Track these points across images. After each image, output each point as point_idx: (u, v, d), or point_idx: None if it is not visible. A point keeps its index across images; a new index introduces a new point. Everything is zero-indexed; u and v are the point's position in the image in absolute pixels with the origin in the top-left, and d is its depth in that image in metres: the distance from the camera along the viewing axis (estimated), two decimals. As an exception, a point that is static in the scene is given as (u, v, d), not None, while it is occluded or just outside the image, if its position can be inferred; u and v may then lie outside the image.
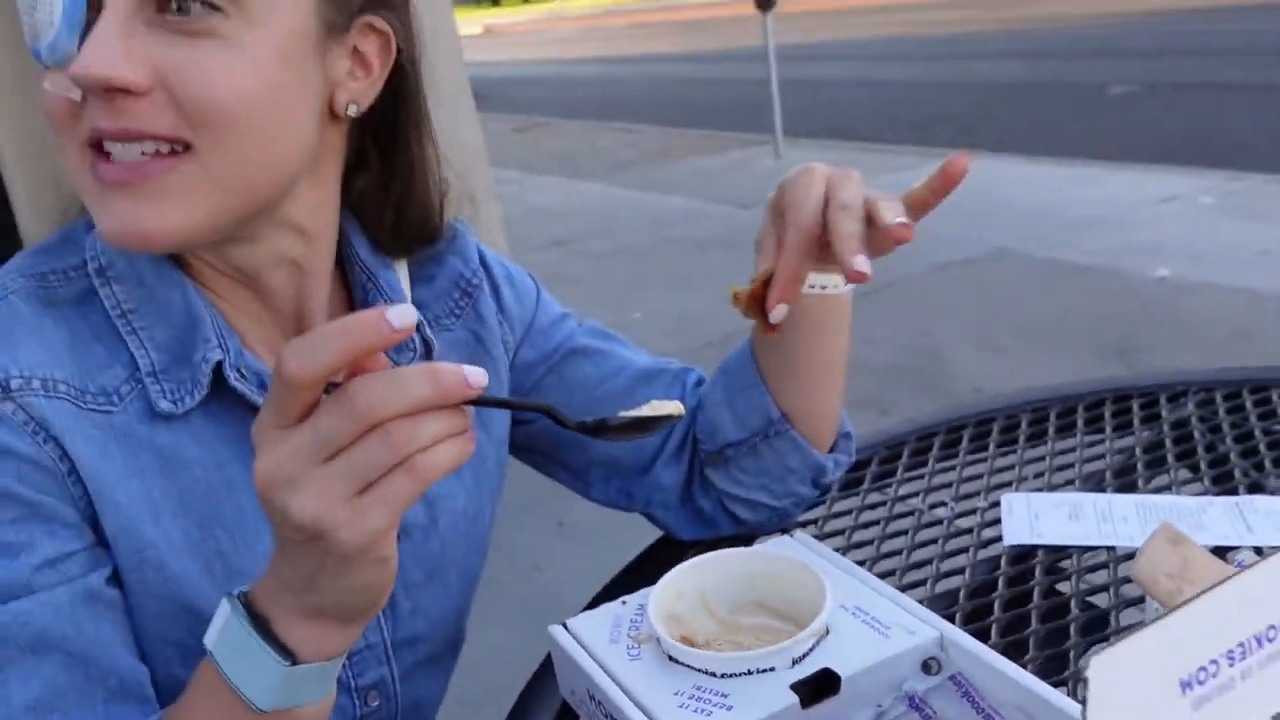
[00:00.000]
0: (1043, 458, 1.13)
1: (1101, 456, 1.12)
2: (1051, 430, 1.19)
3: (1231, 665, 0.45)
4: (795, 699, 0.70)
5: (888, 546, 1.00)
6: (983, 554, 0.98)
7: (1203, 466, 1.08)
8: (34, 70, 0.71)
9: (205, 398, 0.75)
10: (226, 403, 0.76)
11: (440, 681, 0.97)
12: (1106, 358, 3.84)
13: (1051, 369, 3.72)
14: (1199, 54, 10.82)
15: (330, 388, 0.55)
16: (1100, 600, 0.87)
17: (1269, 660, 0.46)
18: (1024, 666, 0.72)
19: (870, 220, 0.77)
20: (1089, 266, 4.86)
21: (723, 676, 0.72)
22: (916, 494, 1.09)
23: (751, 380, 0.97)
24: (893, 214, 0.76)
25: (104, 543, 0.73)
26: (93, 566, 0.72)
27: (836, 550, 0.89)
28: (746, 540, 0.93)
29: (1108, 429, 1.18)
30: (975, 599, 0.91)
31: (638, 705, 0.71)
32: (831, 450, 1.01)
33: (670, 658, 0.74)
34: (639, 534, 1.08)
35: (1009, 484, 1.09)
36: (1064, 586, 0.91)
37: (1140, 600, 0.84)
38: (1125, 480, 1.07)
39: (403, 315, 0.53)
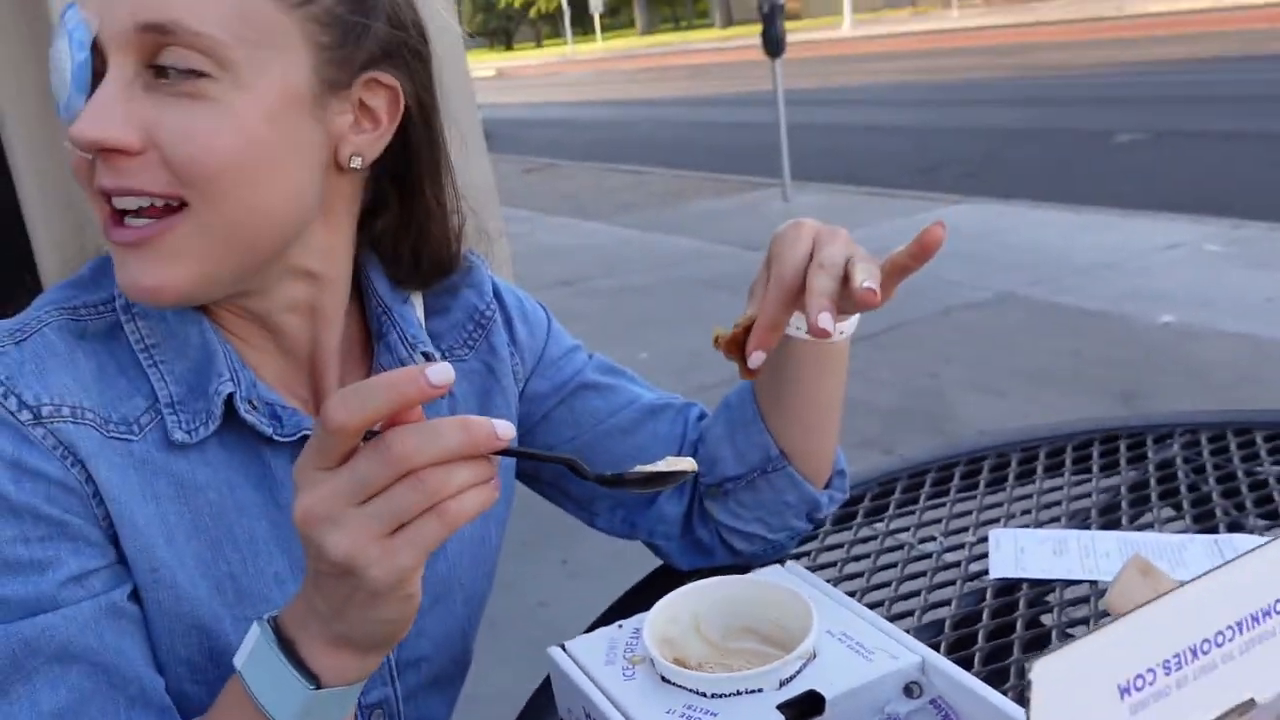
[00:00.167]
0: (1031, 495, 1.17)
1: (1088, 495, 1.16)
2: (1040, 469, 1.22)
3: (1168, 674, 0.48)
4: (782, 719, 0.73)
5: (878, 579, 1.04)
6: (969, 587, 1.01)
7: (1185, 505, 1.11)
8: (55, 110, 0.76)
9: (219, 428, 0.79)
10: (239, 433, 0.80)
11: (445, 703, 1.00)
12: (1111, 402, 3.87)
13: (1055, 413, 3.75)
14: (1205, 102, 10.91)
15: (369, 435, 0.59)
16: (1080, 632, 0.90)
17: (1203, 671, 0.49)
18: (1004, 693, 0.75)
19: (846, 279, 0.80)
20: (1094, 311, 4.89)
21: (713, 696, 0.75)
22: (907, 529, 1.13)
23: (752, 417, 1.01)
24: (863, 276, 0.78)
25: (124, 561, 0.77)
26: (115, 583, 0.76)
27: (828, 581, 0.92)
28: (742, 570, 0.97)
29: (1095, 468, 1.21)
30: (960, 629, 0.94)
31: (631, 723, 0.74)
32: (827, 486, 1.05)
33: (663, 678, 0.78)
34: (642, 572, 1.11)
35: (997, 520, 1.12)
36: (1046, 618, 0.94)
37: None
38: (1109, 518, 1.10)
39: (441, 374, 0.58)
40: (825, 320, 0.77)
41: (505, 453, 0.61)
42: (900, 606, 0.99)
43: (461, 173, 0.93)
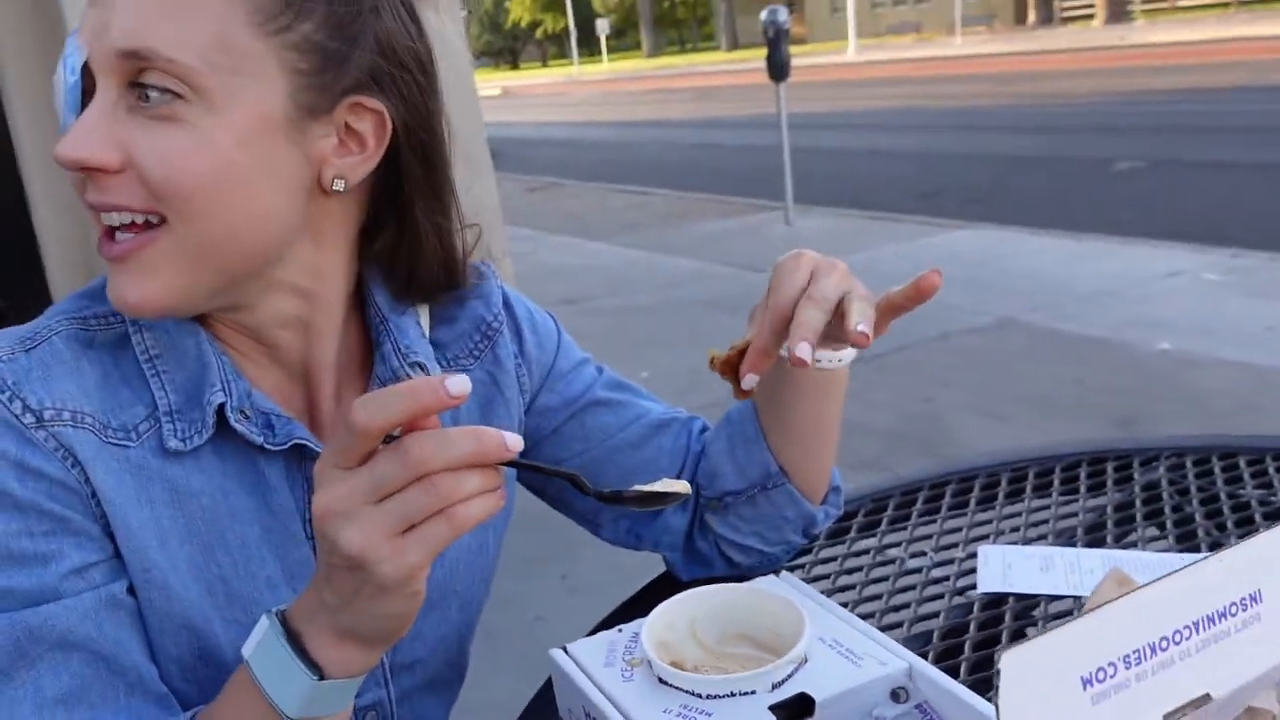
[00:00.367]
0: (1020, 514, 1.20)
1: (1074, 514, 1.19)
2: (1029, 489, 1.26)
3: (1128, 668, 0.52)
4: (774, 719, 0.76)
5: (869, 591, 1.07)
6: (957, 600, 1.04)
7: (1169, 526, 1.15)
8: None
9: (213, 436, 0.82)
10: (233, 441, 0.83)
11: (441, 706, 1.02)
12: (1109, 428, 3.90)
13: (1053, 438, 3.76)
14: (1205, 132, 10.98)
15: (388, 439, 0.63)
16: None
17: (1161, 667, 0.53)
18: (988, 699, 0.78)
19: (841, 313, 0.83)
20: (1094, 338, 4.93)
21: (707, 697, 0.78)
22: (899, 544, 1.16)
23: (754, 435, 1.04)
24: (857, 319, 0.81)
25: (121, 557, 0.80)
26: (114, 577, 0.79)
27: (822, 593, 0.95)
28: (739, 580, 1.00)
29: (1082, 489, 1.25)
30: (948, 639, 0.98)
31: (629, 722, 0.77)
32: (823, 503, 1.08)
33: (660, 680, 0.81)
34: (640, 587, 1.14)
35: (987, 537, 1.16)
36: (1031, 631, 0.98)
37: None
38: (1095, 536, 1.14)
39: (458, 385, 0.62)
40: (803, 350, 0.80)
41: (512, 464, 0.65)
42: (891, 618, 1.02)
43: (466, 191, 0.95)
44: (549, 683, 0.91)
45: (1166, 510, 1.18)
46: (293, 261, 0.83)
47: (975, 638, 0.97)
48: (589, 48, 71.97)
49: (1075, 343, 4.91)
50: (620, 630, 0.89)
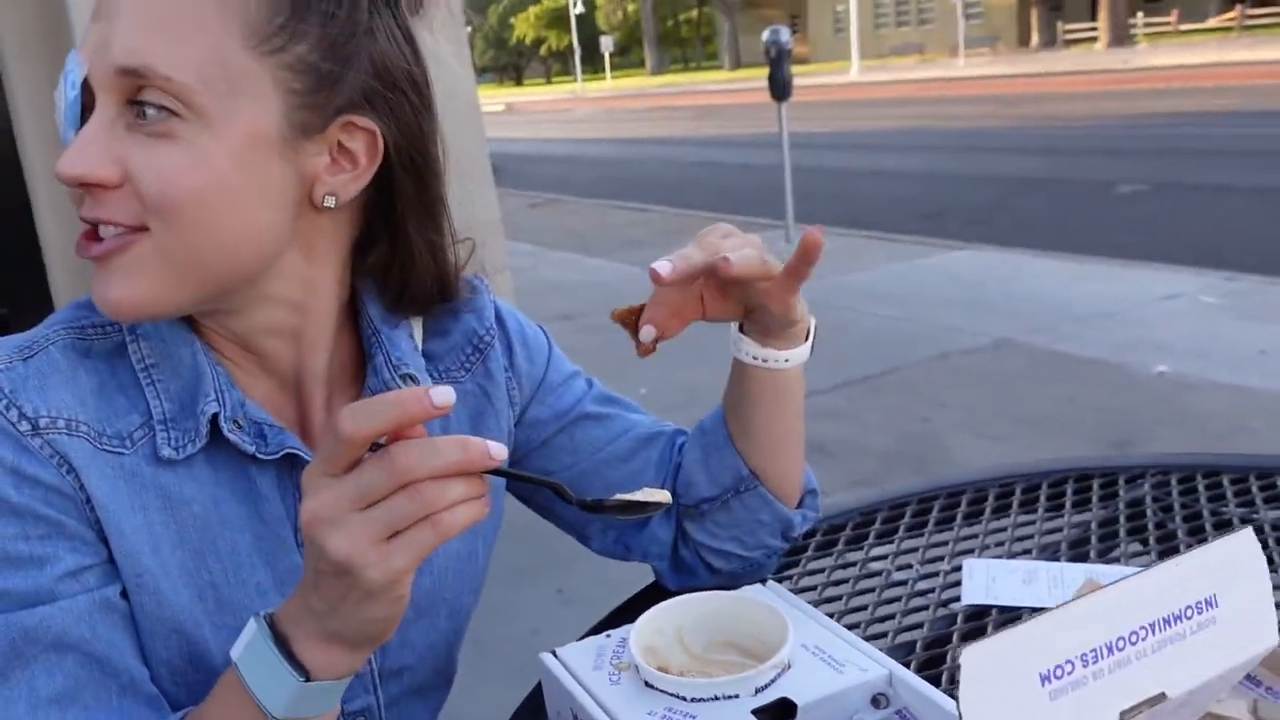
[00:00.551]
0: (1005, 529, 1.22)
1: (1059, 530, 1.21)
2: (1015, 504, 1.28)
3: (1085, 666, 0.54)
4: (756, 723, 0.78)
5: (855, 603, 1.09)
6: (941, 612, 1.06)
7: (1151, 542, 1.17)
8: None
9: (206, 445, 0.84)
10: (225, 451, 0.85)
11: (428, 711, 1.04)
12: (1105, 450, 3.92)
13: (1046, 458, 3.80)
14: (1206, 156, 11.04)
15: (374, 447, 0.65)
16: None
17: (1118, 666, 0.55)
18: (966, 707, 0.80)
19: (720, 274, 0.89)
20: (1091, 360, 4.95)
21: (692, 700, 0.80)
22: (885, 556, 1.18)
23: (722, 441, 1.06)
24: (730, 250, 0.89)
25: (115, 561, 0.82)
26: (108, 580, 0.81)
27: (809, 604, 0.97)
28: (727, 589, 1.02)
29: (1068, 505, 1.27)
30: (931, 649, 1.00)
31: (616, 724, 0.79)
32: (799, 506, 1.10)
33: (646, 683, 0.83)
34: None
35: (972, 551, 1.18)
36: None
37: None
38: (1078, 551, 1.16)
39: (443, 396, 0.64)
40: (659, 264, 0.88)
41: (497, 472, 0.67)
42: (875, 628, 1.04)
43: (467, 206, 0.97)
44: (539, 687, 0.93)
45: (1150, 526, 1.20)
46: (283, 274, 0.85)
47: (957, 648, 0.99)
48: (592, 65, 72.28)
49: (1073, 364, 4.94)
50: (609, 635, 0.91)
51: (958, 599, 1.08)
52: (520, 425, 1.06)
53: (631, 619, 0.90)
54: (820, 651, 0.86)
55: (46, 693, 0.76)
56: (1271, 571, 1.06)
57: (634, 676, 0.84)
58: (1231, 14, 39.74)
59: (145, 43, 0.75)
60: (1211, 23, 41.09)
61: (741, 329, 0.99)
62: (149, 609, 0.83)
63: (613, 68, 67.85)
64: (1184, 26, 41.44)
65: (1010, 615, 1.04)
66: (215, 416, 0.83)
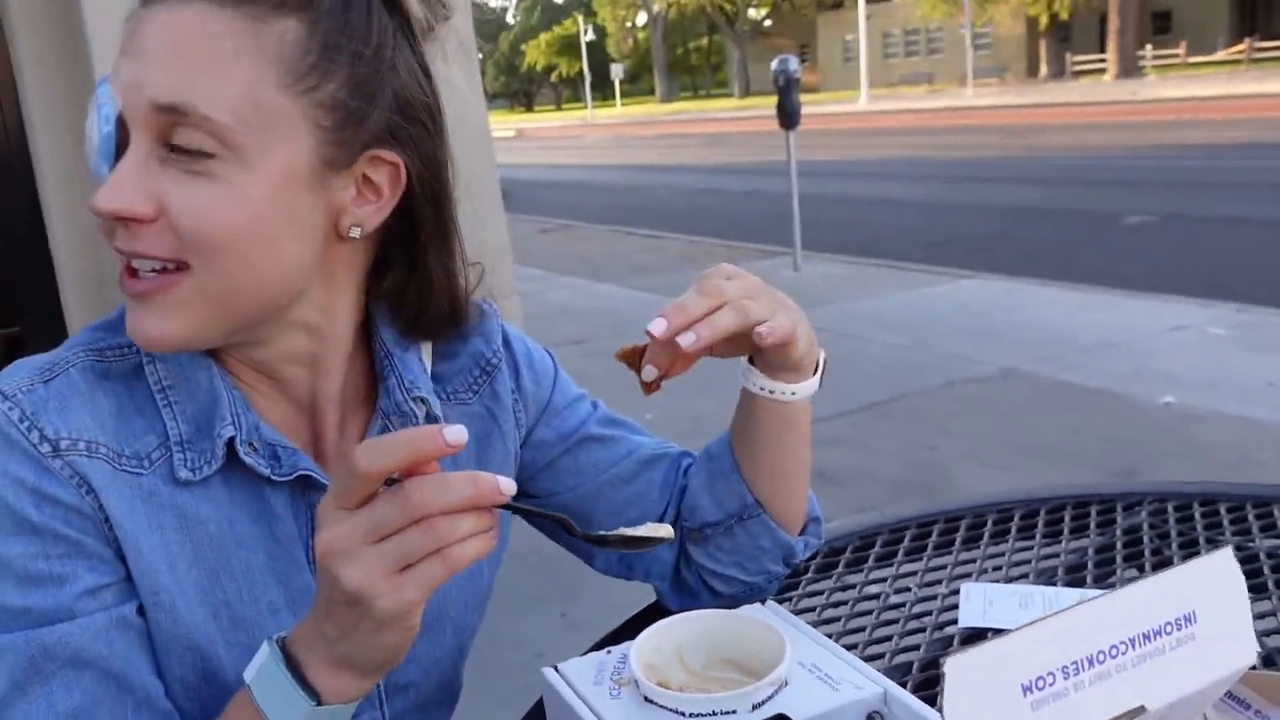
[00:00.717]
0: (1003, 554, 1.24)
1: (1057, 555, 1.23)
2: (1014, 530, 1.29)
3: (1066, 678, 0.56)
4: (753, 739, 0.80)
5: (853, 624, 1.11)
6: (938, 635, 1.08)
7: (1147, 568, 1.18)
8: (83, 158, 0.86)
9: (222, 467, 0.86)
10: (240, 472, 0.88)
11: None
12: (1109, 479, 3.92)
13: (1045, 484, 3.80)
14: (1215, 188, 11.07)
15: (388, 481, 0.68)
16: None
17: (1099, 678, 0.56)
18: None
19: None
20: (1097, 390, 4.96)
21: (691, 716, 0.82)
22: (884, 580, 1.20)
23: (729, 468, 1.07)
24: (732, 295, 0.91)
25: (132, 579, 0.84)
26: (125, 598, 0.83)
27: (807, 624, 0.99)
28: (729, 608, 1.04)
29: (1065, 531, 1.28)
30: (926, 670, 1.01)
31: (615, 739, 0.81)
32: (802, 533, 1.11)
33: (646, 699, 0.84)
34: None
35: (969, 575, 1.19)
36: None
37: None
38: (1075, 576, 1.17)
39: (456, 435, 0.67)
40: (655, 324, 0.88)
41: (506, 507, 0.71)
42: (873, 649, 1.05)
43: (477, 231, 0.99)
44: (540, 703, 0.94)
45: (1146, 553, 1.21)
46: (304, 302, 0.87)
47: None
48: (603, 91, 72.62)
49: (1079, 394, 4.95)
50: (609, 652, 0.93)
51: (954, 622, 1.09)
52: (526, 447, 1.08)
53: (632, 636, 0.92)
54: (817, 669, 0.87)
55: (65, 708, 0.78)
56: (1265, 599, 1.08)
57: (634, 692, 0.86)
58: (1240, 46, 39.88)
59: (184, 81, 0.78)
60: (1220, 55, 41.23)
61: (751, 360, 1.01)
62: (165, 626, 0.85)
63: (623, 94, 68.22)
64: (1192, 59, 41.58)
65: (1006, 638, 1.06)
66: (231, 440, 0.86)
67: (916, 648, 1.06)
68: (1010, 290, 7.18)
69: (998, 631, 1.06)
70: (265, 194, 0.80)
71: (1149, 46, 42.52)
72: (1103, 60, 43.60)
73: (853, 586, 1.19)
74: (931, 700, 0.93)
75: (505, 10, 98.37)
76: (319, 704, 0.72)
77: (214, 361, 0.88)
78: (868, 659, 1.02)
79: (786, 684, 0.85)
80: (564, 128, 46.71)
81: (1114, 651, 0.57)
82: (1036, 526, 1.30)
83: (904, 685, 0.92)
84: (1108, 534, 1.27)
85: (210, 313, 0.82)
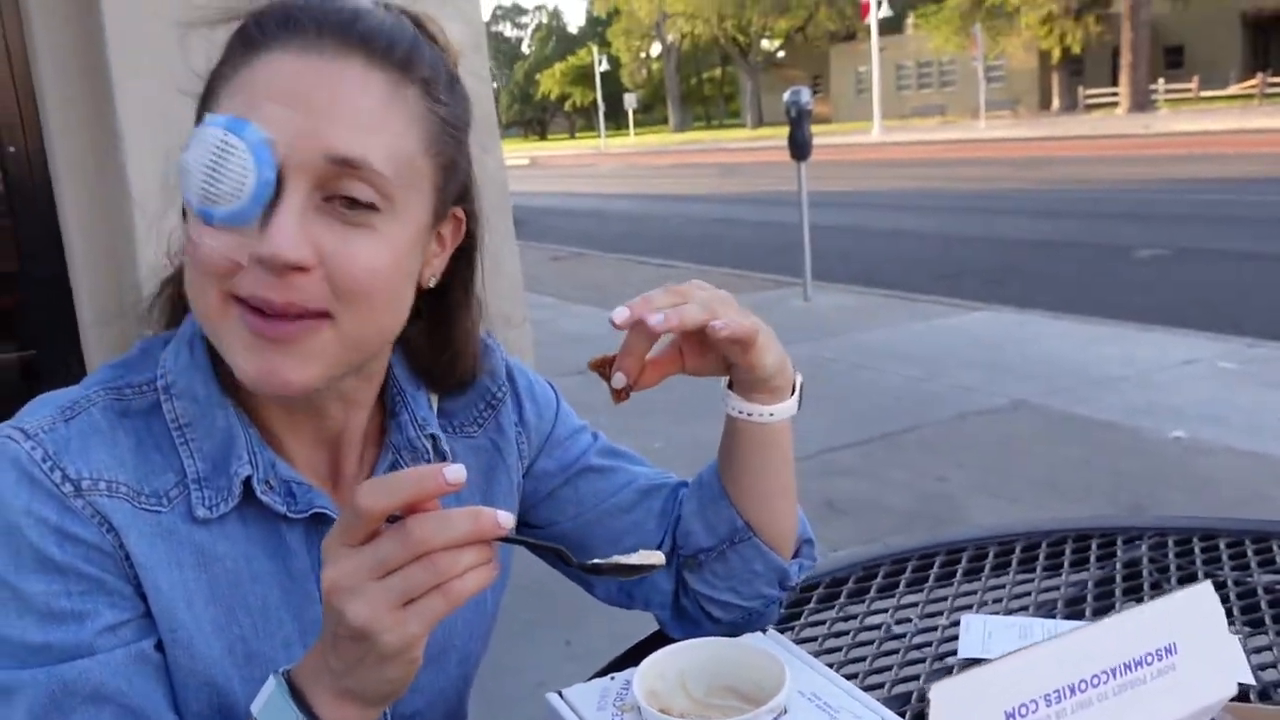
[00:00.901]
0: (1003, 586, 1.25)
1: (1057, 588, 1.24)
2: (1015, 562, 1.31)
3: (1049, 706, 0.57)
4: (752, 765, 0.81)
5: (854, 654, 1.12)
6: (938, 665, 1.09)
7: (1145, 601, 1.19)
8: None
9: (238, 504, 0.88)
10: (256, 509, 0.89)
11: None
12: (1117, 513, 3.92)
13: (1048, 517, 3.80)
14: (1227, 222, 11.07)
15: (391, 519, 0.70)
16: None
17: (1080, 707, 0.58)
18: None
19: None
20: (1108, 423, 4.95)
21: (691, 742, 0.83)
22: (886, 610, 1.21)
23: (718, 493, 1.09)
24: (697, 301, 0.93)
25: (151, 616, 0.86)
26: (145, 634, 0.85)
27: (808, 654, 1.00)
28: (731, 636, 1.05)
29: (1066, 564, 1.29)
30: (926, 701, 1.02)
31: (617, 764, 0.83)
32: (795, 556, 1.13)
33: (647, 724, 0.86)
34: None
35: (970, 607, 1.21)
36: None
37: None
38: (1075, 609, 1.19)
39: (455, 474, 0.70)
40: (617, 312, 0.91)
41: (505, 539, 0.73)
42: (873, 679, 1.07)
43: (490, 257, 1.03)
44: (543, 727, 0.96)
45: (1145, 587, 1.22)
46: None
47: (952, 700, 1.02)
48: (616, 121, 73.01)
49: (1089, 427, 4.94)
50: (613, 678, 0.95)
51: (954, 653, 1.11)
52: (528, 477, 1.10)
53: (635, 663, 0.93)
54: (816, 698, 0.89)
55: None
56: (1262, 633, 1.10)
57: (636, 718, 0.88)
58: (1253, 81, 39.94)
59: (360, 137, 0.80)
60: (1233, 89, 41.30)
61: (730, 384, 1.03)
62: (182, 662, 0.86)
63: (636, 124, 68.58)
64: (1205, 93, 41.66)
65: (1005, 670, 1.07)
66: (248, 480, 0.88)
67: (916, 678, 1.07)
68: (1022, 323, 7.19)
69: (996, 663, 1.08)
70: (407, 247, 0.85)
71: (1161, 80, 42.63)
72: (1115, 94, 43.72)
73: (855, 617, 1.20)
74: (930, 730, 0.95)
75: (520, 40, 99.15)
76: None
77: (230, 399, 0.89)
78: (868, 689, 1.03)
79: (785, 712, 0.87)
80: (577, 156, 46.97)
81: (1096, 681, 0.59)
82: (1037, 559, 1.31)
83: (903, 715, 0.94)
84: (1108, 567, 1.28)
85: (343, 358, 0.85)
